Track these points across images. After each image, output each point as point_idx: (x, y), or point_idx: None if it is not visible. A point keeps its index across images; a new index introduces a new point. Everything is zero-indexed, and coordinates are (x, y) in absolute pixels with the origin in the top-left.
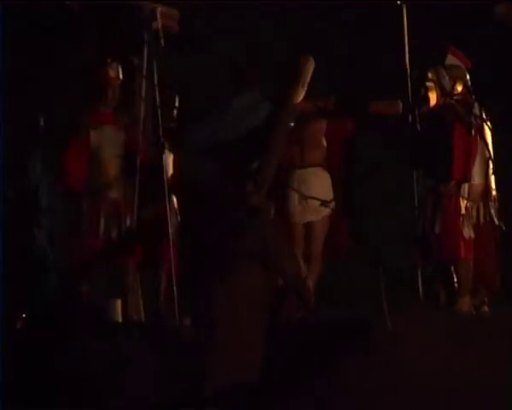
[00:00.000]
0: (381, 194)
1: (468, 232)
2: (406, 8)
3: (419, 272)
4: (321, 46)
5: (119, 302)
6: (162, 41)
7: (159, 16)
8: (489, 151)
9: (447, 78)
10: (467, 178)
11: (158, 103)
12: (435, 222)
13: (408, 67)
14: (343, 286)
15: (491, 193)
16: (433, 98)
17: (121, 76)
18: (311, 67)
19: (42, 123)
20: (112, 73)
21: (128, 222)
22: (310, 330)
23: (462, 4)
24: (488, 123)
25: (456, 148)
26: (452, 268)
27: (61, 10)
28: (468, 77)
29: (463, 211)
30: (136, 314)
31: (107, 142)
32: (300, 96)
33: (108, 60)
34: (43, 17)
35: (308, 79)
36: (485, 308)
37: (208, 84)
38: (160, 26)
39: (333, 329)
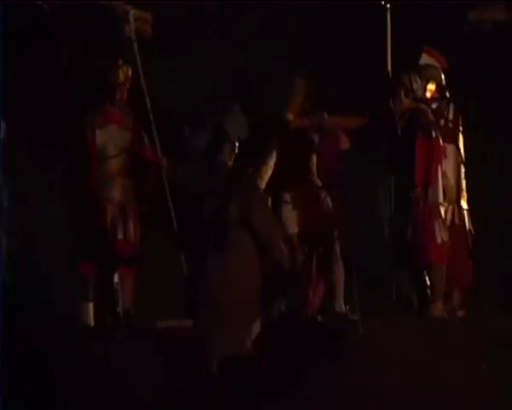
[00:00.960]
0: (355, 199)
1: (440, 237)
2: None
3: (392, 277)
4: (302, 49)
5: (91, 305)
6: (136, 45)
7: (132, 19)
8: (460, 155)
9: (419, 82)
10: (429, 182)
11: (149, 107)
12: (406, 228)
13: (390, 70)
14: None
15: (462, 197)
16: (403, 104)
17: (130, 78)
18: (303, 88)
19: (3, 127)
20: (122, 76)
21: (131, 224)
22: (283, 332)
23: (436, 8)
24: (460, 127)
25: (418, 153)
26: (425, 273)
27: (32, 11)
28: (443, 76)
29: (435, 215)
30: (112, 317)
31: (112, 140)
32: (293, 112)
33: (120, 62)
34: (16, 18)
35: (300, 98)
36: (461, 313)
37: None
38: (132, 30)
39: (306, 332)
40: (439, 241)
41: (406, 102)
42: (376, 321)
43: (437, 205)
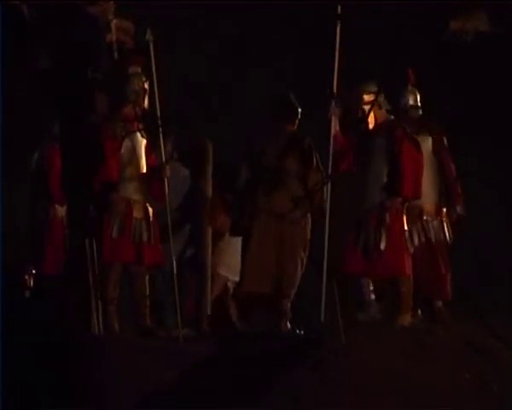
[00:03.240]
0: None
1: (410, 249)
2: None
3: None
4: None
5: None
6: (116, 54)
7: (114, 29)
8: (443, 168)
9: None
10: (417, 196)
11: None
12: (380, 238)
13: (335, 82)
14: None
15: (443, 210)
16: (371, 118)
17: (147, 87)
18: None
19: None
20: (143, 84)
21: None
22: (265, 341)
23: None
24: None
25: (406, 165)
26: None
27: (11, 16)
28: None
29: (406, 227)
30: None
31: (137, 146)
32: None
33: (139, 70)
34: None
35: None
36: (445, 320)
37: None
38: (114, 39)
39: (286, 341)
40: (411, 251)
41: (372, 116)
42: (357, 330)
43: (407, 217)
